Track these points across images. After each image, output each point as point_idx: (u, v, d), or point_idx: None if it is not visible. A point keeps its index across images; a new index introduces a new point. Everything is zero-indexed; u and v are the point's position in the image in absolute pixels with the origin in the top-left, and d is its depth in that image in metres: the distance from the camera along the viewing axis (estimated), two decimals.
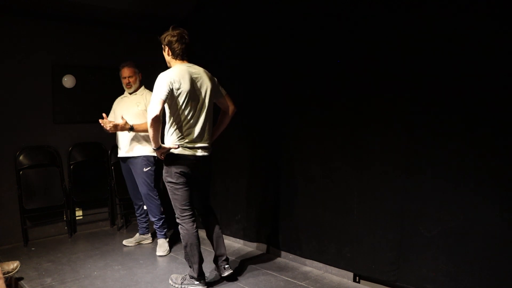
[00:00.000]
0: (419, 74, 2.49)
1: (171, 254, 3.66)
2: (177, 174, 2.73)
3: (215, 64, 3.59)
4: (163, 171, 2.81)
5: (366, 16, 2.74)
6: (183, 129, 2.72)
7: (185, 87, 2.66)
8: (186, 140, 2.73)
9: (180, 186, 2.76)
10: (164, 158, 2.76)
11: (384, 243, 2.74)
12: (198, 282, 2.86)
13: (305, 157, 3.22)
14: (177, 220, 2.84)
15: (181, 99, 2.66)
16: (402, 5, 2.53)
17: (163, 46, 2.81)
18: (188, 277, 2.89)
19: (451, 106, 2.37)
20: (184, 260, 2.94)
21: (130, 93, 3.75)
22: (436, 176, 2.45)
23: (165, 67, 4.58)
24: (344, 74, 2.90)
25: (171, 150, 2.71)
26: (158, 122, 2.58)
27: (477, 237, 2.30)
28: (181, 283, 2.89)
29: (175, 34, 2.74)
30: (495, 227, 2.23)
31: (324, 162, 3.09)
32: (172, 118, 2.72)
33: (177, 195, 2.78)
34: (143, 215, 3.94)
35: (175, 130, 2.73)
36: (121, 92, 3.89)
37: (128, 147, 3.67)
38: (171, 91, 2.60)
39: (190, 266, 2.88)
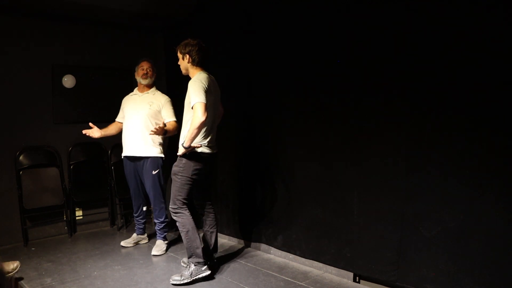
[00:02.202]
0: (420, 74, 2.49)
1: (170, 254, 3.66)
2: (196, 170, 2.93)
3: (214, 64, 3.58)
4: (178, 164, 2.94)
5: (365, 13, 2.74)
6: (206, 129, 2.91)
7: (211, 92, 2.91)
8: (207, 139, 2.95)
9: (192, 181, 2.95)
10: (185, 154, 2.90)
11: (384, 243, 2.74)
12: (205, 267, 2.98)
13: (305, 157, 3.22)
14: (175, 210, 2.97)
15: (209, 103, 2.84)
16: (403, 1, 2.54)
17: (182, 54, 2.98)
18: (193, 266, 2.95)
19: (451, 106, 2.37)
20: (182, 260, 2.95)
21: (145, 84, 3.69)
22: (436, 176, 2.45)
23: (167, 67, 4.61)
24: (344, 72, 2.91)
25: (195, 149, 2.89)
26: (204, 125, 2.81)
27: (477, 237, 2.30)
28: (190, 274, 2.93)
29: (195, 43, 2.96)
30: (495, 227, 2.24)
31: (324, 162, 3.09)
32: None
33: (185, 189, 2.94)
34: (141, 216, 3.94)
35: None
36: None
37: (138, 146, 3.63)
38: (206, 94, 2.80)
39: (191, 255, 2.96)
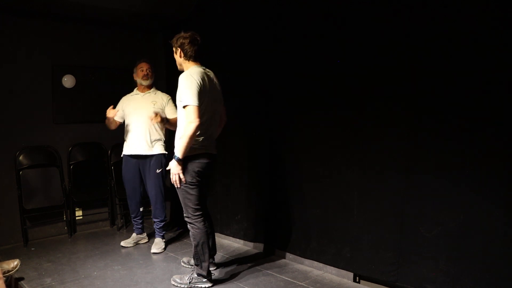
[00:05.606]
0: (420, 75, 2.49)
1: (170, 254, 3.66)
2: (194, 173, 2.75)
3: (215, 64, 3.57)
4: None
5: (366, 16, 2.74)
6: (202, 128, 2.73)
7: (207, 88, 2.72)
8: (204, 138, 2.77)
9: (196, 186, 2.78)
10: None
11: (384, 243, 2.74)
12: (206, 280, 2.91)
13: (305, 157, 3.22)
14: (188, 220, 2.85)
15: (204, 100, 2.68)
16: (404, 4, 2.53)
17: (174, 48, 2.84)
18: (195, 275, 2.91)
19: (451, 106, 2.37)
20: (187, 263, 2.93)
21: (146, 85, 3.73)
22: (436, 176, 2.46)
23: (167, 67, 4.60)
24: (345, 75, 2.91)
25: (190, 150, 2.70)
26: (198, 130, 2.61)
27: (477, 237, 2.30)
28: (189, 282, 2.90)
29: (187, 36, 2.80)
30: (495, 227, 2.24)
31: (325, 162, 3.09)
32: None
33: (191, 194, 2.78)
34: (139, 217, 3.94)
35: None
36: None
37: (143, 145, 3.65)
38: (200, 94, 2.62)
39: (197, 265, 2.89)
